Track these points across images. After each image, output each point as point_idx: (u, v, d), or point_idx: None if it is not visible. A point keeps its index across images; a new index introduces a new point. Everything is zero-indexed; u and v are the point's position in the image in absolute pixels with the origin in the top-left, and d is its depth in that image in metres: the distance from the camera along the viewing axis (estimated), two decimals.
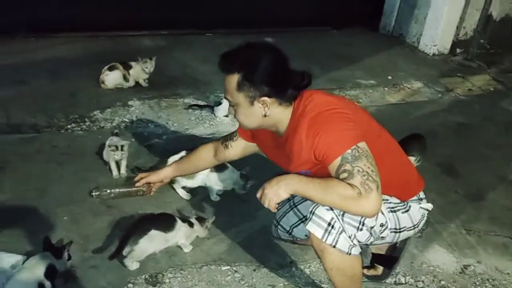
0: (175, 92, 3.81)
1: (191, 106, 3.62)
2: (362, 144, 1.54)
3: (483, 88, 4.68)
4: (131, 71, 3.75)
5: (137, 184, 2.20)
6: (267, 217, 2.23)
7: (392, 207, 1.74)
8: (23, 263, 1.94)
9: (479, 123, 3.88)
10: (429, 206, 1.87)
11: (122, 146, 2.56)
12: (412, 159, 2.54)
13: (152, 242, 2.03)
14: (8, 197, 2.42)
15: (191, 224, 2.18)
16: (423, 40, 5.45)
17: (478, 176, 3.06)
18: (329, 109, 1.59)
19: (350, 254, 1.61)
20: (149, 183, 2.22)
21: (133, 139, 3.04)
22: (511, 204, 2.84)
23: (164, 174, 2.22)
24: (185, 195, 2.56)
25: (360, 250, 1.66)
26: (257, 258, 2.19)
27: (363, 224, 1.62)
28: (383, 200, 1.58)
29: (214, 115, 3.51)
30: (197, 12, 5.10)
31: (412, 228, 1.81)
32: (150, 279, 2.01)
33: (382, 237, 1.73)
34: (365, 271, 2.09)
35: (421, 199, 1.85)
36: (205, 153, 2.16)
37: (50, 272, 1.78)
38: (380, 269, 2.11)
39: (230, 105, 1.71)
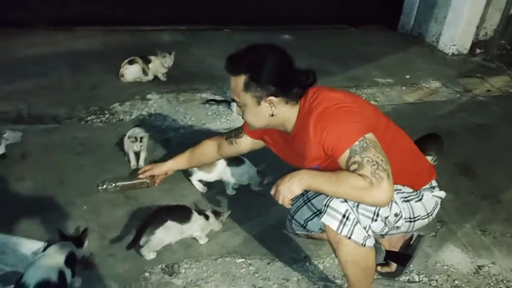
0: (192, 87, 3.85)
1: (208, 101, 3.65)
2: (370, 135, 1.57)
3: (502, 89, 4.61)
4: (150, 65, 3.80)
5: (140, 176, 2.22)
6: (281, 212, 2.24)
7: (405, 197, 1.76)
8: (43, 250, 2.00)
9: (497, 124, 3.84)
10: (442, 193, 1.88)
11: (141, 138, 2.61)
12: (429, 158, 2.54)
13: (168, 233, 2.07)
14: (29, 185, 2.49)
15: (206, 217, 2.21)
16: (442, 39, 5.40)
17: (495, 177, 3.04)
18: (334, 104, 1.62)
19: (364, 245, 1.63)
20: (153, 175, 2.24)
21: (151, 132, 3.08)
22: None
23: (168, 167, 2.24)
24: (201, 188, 2.60)
25: (374, 242, 1.68)
26: (271, 252, 2.22)
27: (377, 215, 1.64)
28: (396, 190, 1.60)
29: (231, 110, 3.54)
30: (215, 8, 5.13)
31: (426, 216, 1.83)
32: (166, 269, 2.05)
33: (397, 226, 1.75)
34: (379, 268, 2.10)
35: (433, 187, 1.86)
36: (209, 148, 2.18)
37: (71, 260, 1.81)
38: (393, 266, 2.11)
39: (237, 105, 1.74)
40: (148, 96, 3.60)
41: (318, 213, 2.00)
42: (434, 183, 1.88)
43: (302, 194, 1.98)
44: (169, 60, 3.80)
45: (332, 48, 5.11)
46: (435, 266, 2.25)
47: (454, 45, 5.31)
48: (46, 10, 4.65)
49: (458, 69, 4.96)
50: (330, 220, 1.62)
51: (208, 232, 2.23)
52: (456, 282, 2.17)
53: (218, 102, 3.65)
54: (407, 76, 4.61)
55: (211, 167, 2.51)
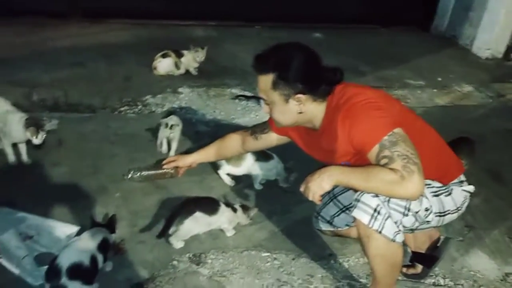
0: (223, 82, 3.90)
1: (238, 96, 3.69)
2: (398, 130, 1.58)
3: None
4: (182, 59, 3.87)
5: (165, 167, 2.25)
6: (307, 208, 2.27)
7: (435, 191, 1.76)
8: (76, 234, 2.08)
9: None
10: (471, 188, 1.88)
11: (172, 126, 2.69)
12: None
13: (196, 224, 2.11)
14: (64, 171, 2.58)
15: (234, 210, 2.25)
16: (476, 43, 5.31)
17: None
18: (362, 100, 1.63)
19: (394, 241, 1.64)
20: (177, 166, 2.27)
21: (181, 125, 3.14)
22: None
23: (192, 159, 2.27)
24: (229, 182, 2.64)
25: (403, 238, 1.69)
26: (296, 248, 2.24)
27: (408, 210, 1.64)
28: (426, 184, 1.61)
29: (260, 106, 3.56)
30: (247, 4, 5.17)
31: (456, 211, 1.83)
32: (194, 258, 2.10)
33: (427, 221, 1.75)
34: (404, 270, 2.10)
35: (462, 182, 1.86)
36: (233, 142, 2.21)
37: (104, 246, 1.87)
38: (419, 268, 2.11)
39: (265, 103, 1.77)
40: (180, 90, 3.67)
41: (345, 209, 2.02)
42: (462, 177, 1.87)
43: (328, 191, 2.00)
44: (201, 55, 3.86)
45: (363, 48, 5.08)
46: (461, 270, 2.24)
47: (488, 49, 5.21)
48: (81, 2, 4.77)
49: (491, 74, 4.87)
50: (361, 214, 1.63)
51: (235, 225, 2.27)
52: None
53: (247, 97, 3.68)
54: (439, 79, 4.56)
55: (240, 161, 2.54)
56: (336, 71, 1.71)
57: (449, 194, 1.80)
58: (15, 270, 1.91)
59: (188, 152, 2.71)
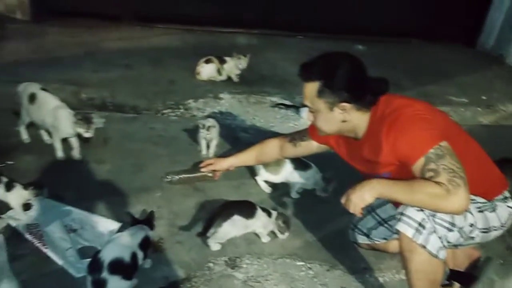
0: (263, 90, 3.95)
1: (277, 105, 3.73)
2: (444, 143, 1.56)
3: None
4: (225, 66, 3.95)
5: (203, 170, 2.29)
6: (344, 220, 2.26)
7: (479, 207, 1.73)
8: (118, 230, 2.15)
9: None
10: None
11: (209, 127, 2.78)
12: None
13: (234, 227, 2.15)
14: (108, 168, 2.68)
15: (269, 215, 2.27)
16: None
17: None
18: (407, 111, 1.63)
19: (437, 257, 1.62)
20: (214, 170, 2.30)
21: (221, 130, 3.19)
22: None
23: (229, 163, 2.29)
24: (266, 189, 2.66)
25: (446, 255, 1.66)
26: (331, 259, 2.23)
27: (453, 225, 1.62)
28: (470, 199, 1.58)
29: (299, 116, 3.59)
30: (290, 14, 5.21)
31: (500, 227, 1.79)
32: (229, 262, 2.13)
33: (472, 237, 1.72)
34: None
35: (506, 198, 1.82)
36: (271, 147, 2.24)
37: (145, 243, 1.92)
38: (456, 286, 2.06)
39: (309, 111, 1.79)
40: (221, 95, 3.73)
41: (383, 222, 2.01)
42: (506, 193, 1.83)
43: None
44: (243, 62, 3.92)
45: (406, 62, 5.02)
46: None
47: None
48: (133, 6, 4.95)
49: None
50: (405, 227, 1.62)
51: (270, 232, 2.28)
52: None
53: (287, 106, 3.71)
54: (483, 97, 4.45)
55: (278, 169, 2.57)
56: (382, 82, 1.72)
57: (494, 210, 1.76)
58: (59, 261, 1.98)
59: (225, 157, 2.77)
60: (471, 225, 1.69)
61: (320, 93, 1.69)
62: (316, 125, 1.82)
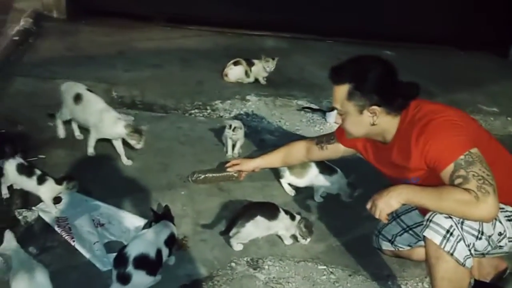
0: (290, 93, 3.96)
1: (304, 108, 3.73)
2: (475, 150, 1.55)
3: None
4: (253, 68, 3.98)
5: (228, 170, 2.31)
6: (368, 226, 2.26)
7: (508, 216, 1.71)
8: (144, 227, 2.18)
9: None
10: None
11: (235, 128, 2.81)
12: None
13: (256, 227, 2.16)
14: (136, 166, 2.73)
15: (293, 218, 2.27)
16: None
17: None
18: (438, 117, 1.62)
19: (464, 265, 1.60)
20: (240, 170, 2.32)
21: (246, 131, 3.22)
22: None
23: (255, 164, 2.31)
24: (290, 191, 2.67)
25: (472, 263, 1.65)
26: (354, 265, 2.22)
27: (482, 233, 1.60)
28: (499, 208, 1.56)
29: (325, 120, 3.58)
30: (320, 18, 5.21)
31: None
32: (251, 262, 2.14)
33: (500, 246, 1.70)
34: None
35: None
36: (298, 150, 2.24)
37: (170, 241, 1.95)
38: None
39: (338, 113, 1.79)
40: (248, 97, 3.76)
41: (408, 229, 1.99)
42: None
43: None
44: (271, 65, 3.94)
45: (435, 69, 4.95)
46: None
47: None
48: (165, 8, 5.05)
49: None
50: (432, 234, 1.61)
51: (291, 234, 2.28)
52: None
53: (313, 110, 3.71)
54: None
55: (303, 172, 2.57)
56: (413, 86, 1.71)
57: None
58: (86, 254, 2.02)
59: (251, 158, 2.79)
60: (500, 233, 1.67)
61: (350, 96, 1.70)
62: (345, 128, 1.82)
